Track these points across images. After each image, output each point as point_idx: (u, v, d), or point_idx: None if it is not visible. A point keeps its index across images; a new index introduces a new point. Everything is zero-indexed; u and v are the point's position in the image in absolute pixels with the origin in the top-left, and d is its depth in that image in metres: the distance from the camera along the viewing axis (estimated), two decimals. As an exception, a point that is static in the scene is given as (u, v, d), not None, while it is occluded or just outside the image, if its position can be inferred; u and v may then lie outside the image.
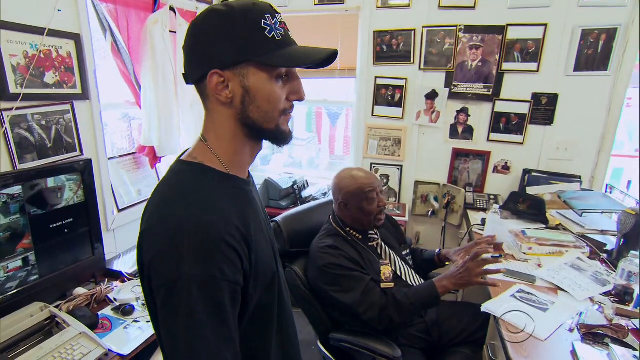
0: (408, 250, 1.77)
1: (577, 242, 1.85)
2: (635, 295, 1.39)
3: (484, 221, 2.08)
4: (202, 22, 0.65)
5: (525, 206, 2.20)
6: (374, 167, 2.66)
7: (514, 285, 1.53)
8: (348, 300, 1.39)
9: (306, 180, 2.78)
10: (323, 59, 0.67)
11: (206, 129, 0.71)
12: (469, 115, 2.44)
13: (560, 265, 1.67)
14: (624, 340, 1.18)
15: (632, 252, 1.48)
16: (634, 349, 1.13)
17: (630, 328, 1.25)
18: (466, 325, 1.57)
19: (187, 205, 0.63)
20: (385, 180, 2.65)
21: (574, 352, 1.14)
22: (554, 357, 1.14)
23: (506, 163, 2.45)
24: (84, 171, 1.61)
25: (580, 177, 2.30)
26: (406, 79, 2.49)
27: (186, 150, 0.74)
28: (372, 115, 2.60)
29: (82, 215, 1.61)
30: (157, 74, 2.06)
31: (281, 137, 0.72)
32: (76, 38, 1.70)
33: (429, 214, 2.58)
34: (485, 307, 1.38)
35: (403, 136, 2.56)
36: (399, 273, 1.59)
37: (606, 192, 2.22)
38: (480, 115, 2.42)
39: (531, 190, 2.29)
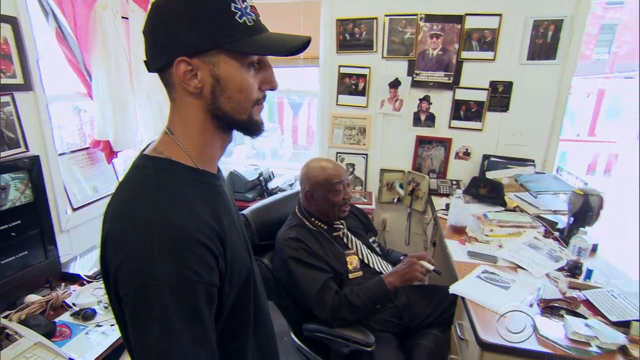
0: (375, 238, 1.80)
1: (533, 223, 1.96)
2: (584, 269, 1.50)
3: (447, 206, 2.15)
4: (166, 3, 0.60)
5: (486, 190, 2.30)
6: (339, 156, 2.67)
7: (478, 266, 1.60)
8: (303, 298, 1.42)
9: (272, 172, 2.74)
10: (298, 47, 0.64)
11: (172, 121, 0.67)
12: (431, 103, 2.50)
13: (519, 245, 1.77)
14: (577, 310, 1.27)
15: (581, 229, 1.59)
16: (585, 318, 1.22)
17: (581, 299, 1.35)
18: (435, 307, 1.63)
19: (154, 204, 0.59)
20: (351, 169, 2.66)
21: (534, 326, 1.21)
22: (517, 330, 1.21)
23: (467, 149, 2.54)
24: (32, 169, 1.49)
25: (534, 161, 2.43)
26: (369, 68, 2.50)
27: (149, 144, 0.70)
28: (337, 104, 2.59)
29: (32, 216, 1.50)
30: (110, 63, 1.93)
31: (254, 128, 0.69)
32: (13, 22, 1.55)
33: (395, 201, 2.63)
34: (453, 289, 1.43)
35: (368, 125, 2.58)
36: (366, 261, 1.62)
37: (557, 174, 2.36)
38: (441, 103, 2.48)
39: (490, 175, 2.40)
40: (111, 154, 2.08)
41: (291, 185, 2.65)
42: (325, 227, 1.60)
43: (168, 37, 0.60)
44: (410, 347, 1.50)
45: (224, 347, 0.65)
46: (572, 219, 1.84)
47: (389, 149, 2.61)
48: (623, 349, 1.11)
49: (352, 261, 1.56)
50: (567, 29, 2.24)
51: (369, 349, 1.35)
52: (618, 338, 1.11)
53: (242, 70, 0.63)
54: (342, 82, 2.56)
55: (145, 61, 0.66)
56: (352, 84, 2.55)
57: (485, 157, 2.48)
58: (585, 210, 1.79)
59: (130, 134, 2.09)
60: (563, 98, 2.36)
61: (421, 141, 2.56)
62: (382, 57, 2.46)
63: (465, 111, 2.47)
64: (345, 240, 1.62)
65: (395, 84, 2.48)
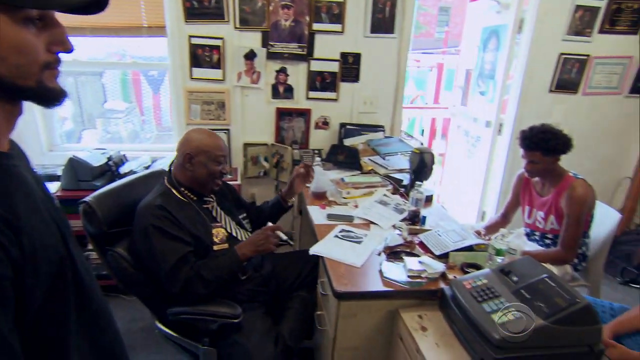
0: (245, 214, 1.80)
1: (383, 182, 2.21)
2: (420, 216, 1.77)
3: (309, 174, 2.26)
4: None
5: (344, 156, 2.49)
6: (200, 133, 2.54)
7: (336, 226, 1.74)
8: (157, 272, 1.37)
9: (124, 155, 2.47)
10: (86, 3, 0.56)
11: None
12: (288, 75, 2.55)
13: (371, 203, 1.98)
14: (413, 251, 1.50)
15: (417, 182, 1.86)
16: (419, 256, 1.45)
17: (417, 242, 1.59)
18: (300, 271, 1.73)
19: None
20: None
21: (380, 271, 1.39)
22: (368, 278, 1.37)
23: (325, 119, 2.69)
24: None
25: (383, 127, 2.71)
26: (223, 39, 2.40)
27: None
28: (191, 78, 2.44)
29: None
30: None
31: (48, 96, 0.59)
32: None
33: (261, 174, 2.66)
34: (313, 249, 1.53)
35: (226, 99, 2.51)
36: (234, 234, 1.62)
37: (402, 137, 2.69)
38: (298, 75, 2.56)
39: (347, 142, 2.60)
40: None
41: (147, 167, 2.44)
42: (195, 198, 1.55)
43: None
44: (279, 311, 1.58)
45: (40, 337, 0.58)
46: (412, 175, 2.13)
47: (250, 122, 2.60)
48: (444, 275, 1.36)
49: (219, 233, 1.54)
50: (400, 6, 2.50)
51: (236, 321, 1.37)
52: (440, 267, 1.35)
53: (17, 27, 0.53)
54: (195, 55, 2.41)
55: None
56: (205, 56, 2.42)
57: (342, 125, 2.67)
58: (421, 166, 2.08)
59: None
60: (402, 69, 2.67)
61: (282, 113, 2.61)
62: (235, 28, 2.39)
63: (321, 82, 2.59)
64: (214, 213, 1.60)
65: (250, 56, 2.45)
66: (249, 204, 1.94)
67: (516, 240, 1.40)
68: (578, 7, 2.60)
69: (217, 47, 2.40)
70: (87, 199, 1.44)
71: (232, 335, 1.40)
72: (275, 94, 2.57)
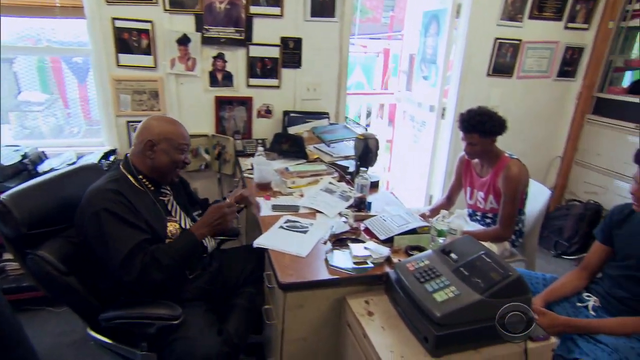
0: (200, 211, 1.76)
1: (328, 170, 2.23)
2: (366, 203, 1.81)
3: (253, 166, 2.23)
4: None
5: (288, 145, 2.47)
6: (131, 125, 2.41)
7: (281, 217, 1.73)
8: (108, 261, 1.29)
9: (42, 152, 2.28)
10: None
11: None
12: (226, 62, 2.48)
13: (317, 192, 1.99)
14: (359, 238, 1.53)
15: (362, 168, 1.90)
16: (364, 242, 1.49)
17: (363, 228, 1.63)
18: (246, 266, 1.71)
19: None
20: (148, 139, 2.45)
21: (326, 259, 1.41)
22: (313, 267, 1.38)
23: (267, 107, 2.66)
24: None
25: (328, 114, 2.73)
26: (152, 22, 2.28)
27: None
28: (118, 65, 2.30)
29: None
30: None
31: None
32: None
33: (202, 167, 2.58)
34: (256, 242, 1.52)
35: (160, 87, 2.39)
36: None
37: (346, 124, 2.73)
38: (237, 61, 2.49)
39: (291, 130, 2.59)
40: None
41: (73, 163, 2.27)
42: (153, 187, 1.49)
43: None
44: (226, 308, 1.55)
45: None
46: (358, 161, 2.17)
47: (187, 112, 2.50)
48: (389, 259, 1.40)
49: (171, 228, 1.49)
50: (340, -12, 2.51)
51: (176, 322, 1.32)
52: (384, 252, 1.40)
53: None
54: (121, 39, 2.26)
55: None
56: (133, 41, 2.28)
57: (286, 113, 2.65)
58: (366, 152, 2.13)
59: None
60: (345, 54, 2.69)
61: (221, 102, 2.54)
62: (165, 10, 2.27)
63: (261, 68, 2.55)
64: (169, 207, 1.55)
65: (184, 41, 2.34)
66: (202, 200, 1.88)
67: (456, 220, 1.48)
68: (510, -8, 2.77)
69: (146, 31, 2.27)
70: (2, 196, 1.32)
71: (172, 335, 1.36)
72: (214, 81, 2.49)
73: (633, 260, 1.43)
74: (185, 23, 2.33)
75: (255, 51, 2.50)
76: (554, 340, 1.19)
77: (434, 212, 2.19)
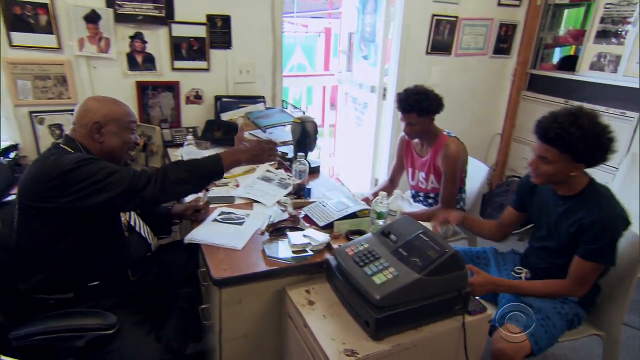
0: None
1: (266, 157, 2.21)
2: (305, 189, 1.83)
3: (183, 157, 2.16)
4: None
5: (221, 133, 2.43)
6: (36, 116, 2.23)
7: (215, 209, 1.70)
8: (116, 188, 1.25)
9: None
10: None
11: None
12: (146, 42, 2.36)
13: (253, 180, 1.98)
14: (298, 226, 1.55)
15: (299, 154, 1.91)
16: (303, 229, 1.51)
17: (302, 216, 1.65)
18: (179, 265, 1.66)
19: None
20: (58, 132, 2.29)
21: (263, 250, 1.41)
22: (250, 260, 1.38)
23: (197, 92, 2.58)
24: None
25: (263, 97, 2.71)
26: (52, -4, 2.10)
27: None
28: (11, 45, 2.09)
29: None
30: None
31: None
32: None
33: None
34: (187, 238, 1.48)
35: (67, 72, 2.22)
36: (132, 224, 1.54)
37: (283, 107, 2.72)
38: (158, 42, 2.38)
39: (225, 116, 2.53)
40: None
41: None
42: None
43: None
44: (163, 313, 1.51)
45: None
46: (296, 146, 2.18)
47: (103, 100, 2.35)
48: (329, 246, 1.44)
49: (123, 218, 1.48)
50: (268, -39, 2.48)
51: (111, 331, 1.27)
52: (324, 238, 1.43)
53: None
54: (11, 14, 2.06)
55: None
56: (28, 17, 2.09)
57: (218, 98, 2.58)
58: (304, 136, 2.14)
59: None
60: (278, 33, 2.67)
61: (143, 87, 2.42)
62: (64, -19, 2.11)
63: (187, 50, 2.46)
64: None
65: (93, 18, 2.19)
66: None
67: (396, 202, 1.55)
68: (443, -32, 2.88)
69: (44, 6, 2.08)
70: None
71: (105, 347, 1.30)
72: (133, 64, 2.36)
73: (544, 230, 1.58)
74: (92, -3, 2.18)
75: (178, 30, 2.40)
76: (489, 312, 1.29)
77: (377, 195, 2.26)
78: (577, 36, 3.05)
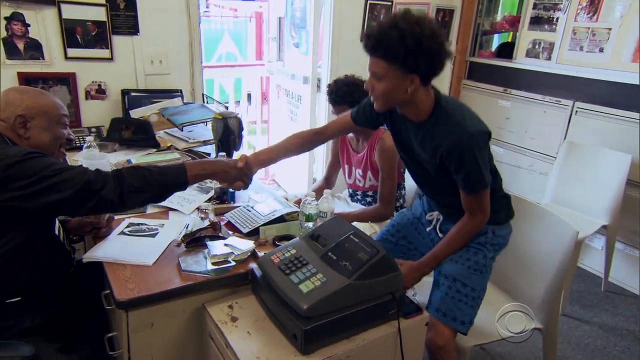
0: None
1: (184, 158, 2.17)
2: (228, 193, 1.81)
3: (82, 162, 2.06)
4: None
5: (130, 132, 2.33)
6: None
7: (122, 220, 1.64)
8: (63, 191, 1.20)
9: None
10: None
11: None
12: (29, 25, 2.21)
13: (169, 185, 1.92)
14: (219, 234, 1.53)
15: (221, 153, 1.89)
16: (225, 238, 1.49)
17: (224, 222, 1.63)
18: (88, 286, 1.58)
19: None
20: None
21: (178, 264, 1.38)
22: (162, 276, 1.34)
23: (99, 85, 2.46)
24: None
25: (181, 91, 2.64)
26: None
27: None
28: None
29: None
30: None
31: None
32: None
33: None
34: (86, 255, 1.42)
35: None
36: (57, 232, 1.48)
37: (204, 102, 2.68)
38: (44, 25, 2.24)
39: (135, 114, 2.45)
40: None
41: None
42: None
43: None
44: (73, 342, 1.43)
45: None
46: (219, 145, 2.15)
47: (-21, 96, 2.18)
48: (254, 254, 1.43)
49: None
50: None
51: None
52: (248, 246, 1.42)
53: None
54: None
55: None
56: None
57: (125, 92, 2.49)
58: (227, 134, 2.11)
59: None
60: (194, 17, 2.62)
61: (28, 80, 2.26)
62: None
63: (82, 35, 2.34)
64: None
65: (-40, -3, 2.02)
66: None
67: (326, 202, 1.58)
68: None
69: None
70: None
71: None
72: (13, 52, 2.21)
73: (414, 164, 1.61)
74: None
75: (71, 12, 2.28)
76: (426, 314, 1.36)
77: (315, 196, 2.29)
78: (513, 22, 3.29)
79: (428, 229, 1.75)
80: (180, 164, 1.38)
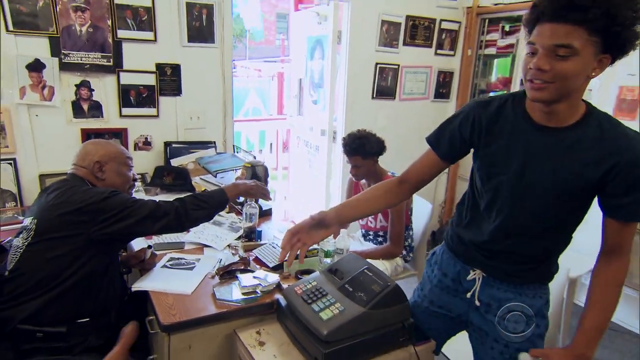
0: None
1: (217, 201, 2.28)
2: (256, 232, 1.90)
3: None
4: None
5: (171, 178, 2.47)
6: (-29, 167, 2.19)
7: (164, 255, 1.74)
8: (138, 224, 1.44)
9: None
10: None
11: None
12: (93, 90, 2.41)
13: (204, 225, 2.01)
14: (249, 268, 1.62)
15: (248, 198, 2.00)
16: (253, 271, 1.57)
17: (252, 258, 1.72)
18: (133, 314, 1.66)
19: None
20: (-5, 182, 2.25)
21: (213, 294, 1.46)
22: (200, 304, 1.42)
23: (146, 138, 2.63)
24: None
25: (214, 143, 2.80)
26: (-8, 45, 2.14)
27: None
28: (-51, 95, 2.09)
29: None
30: None
31: None
32: None
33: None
34: (135, 285, 1.51)
35: (6, 120, 2.22)
36: None
37: (234, 152, 2.83)
38: (105, 89, 2.45)
39: (175, 162, 2.60)
40: None
41: None
42: None
43: None
44: None
45: None
46: (248, 190, 2.26)
47: (46, 148, 2.35)
48: (279, 286, 1.51)
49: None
50: (218, 13, 2.66)
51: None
52: (274, 279, 1.50)
53: None
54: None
55: None
56: (-31, 67, 2.11)
57: (167, 144, 2.65)
58: (256, 179, 2.23)
59: None
60: (228, 80, 2.81)
61: (89, 135, 2.45)
62: (7, 31, 2.15)
63: (135, 97, 2.53)
64: None
65: (36, 67, 2.23)
66: None
67: (342, 240, 1.65)
68: (383, 22, 3.20)
69: (-14, 56, 2.12)
70: None
71: None
72: (79, 112, 2.40)
73: (511, 180, 1.13)
74: (37, 47, 2.23)
75: (127, 78, 2.48)
76: (433, 342, 1.40)
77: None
78: (506, 82, 3.43)
79: (468, 295, 1.31)
80: (220, 188, 1.71)
